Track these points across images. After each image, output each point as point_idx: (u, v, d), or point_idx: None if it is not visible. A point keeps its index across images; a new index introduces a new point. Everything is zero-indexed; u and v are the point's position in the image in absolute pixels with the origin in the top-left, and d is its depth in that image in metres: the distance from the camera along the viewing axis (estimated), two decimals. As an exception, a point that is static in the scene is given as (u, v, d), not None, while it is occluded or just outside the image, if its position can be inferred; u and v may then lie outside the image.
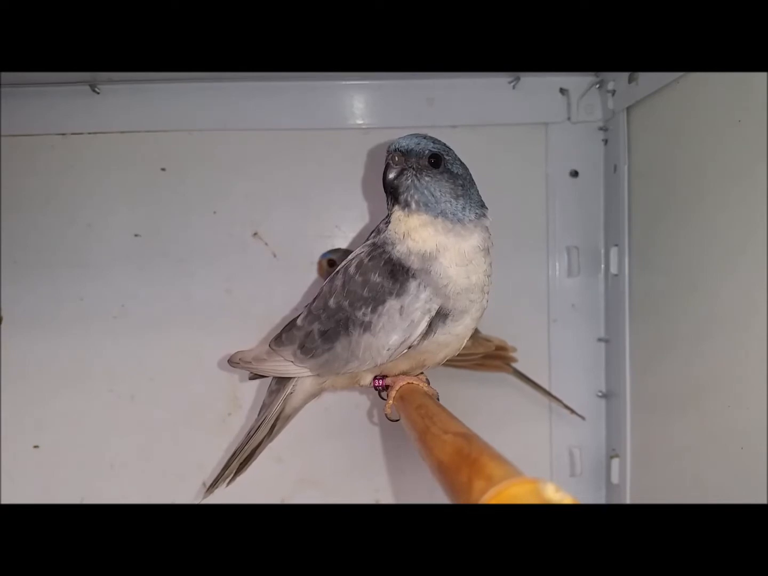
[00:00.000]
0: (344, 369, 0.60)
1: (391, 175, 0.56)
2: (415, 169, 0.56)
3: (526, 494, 0.30)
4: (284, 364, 0.64)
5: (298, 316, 0.65)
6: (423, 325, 0.56)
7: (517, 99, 0.89)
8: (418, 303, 0.55)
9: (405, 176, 0.56)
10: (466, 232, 0.57)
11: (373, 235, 0.62)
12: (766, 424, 0.56)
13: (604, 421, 0.91)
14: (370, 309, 0.57)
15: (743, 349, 0.61)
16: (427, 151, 0.56)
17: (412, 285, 0.56)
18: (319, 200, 0.90)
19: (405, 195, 0.56)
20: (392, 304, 0.56)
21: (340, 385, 0.66)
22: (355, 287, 0.58)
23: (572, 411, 0.87)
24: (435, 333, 0.57)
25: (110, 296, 0.88)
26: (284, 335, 0.65)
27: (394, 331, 0.57)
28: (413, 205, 0.56)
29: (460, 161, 0.59)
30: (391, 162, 0.56)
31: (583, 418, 0.88)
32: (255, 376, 0.71)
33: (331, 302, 0.60)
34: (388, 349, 0.57)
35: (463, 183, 0.58)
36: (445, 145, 0.58)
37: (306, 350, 0.62)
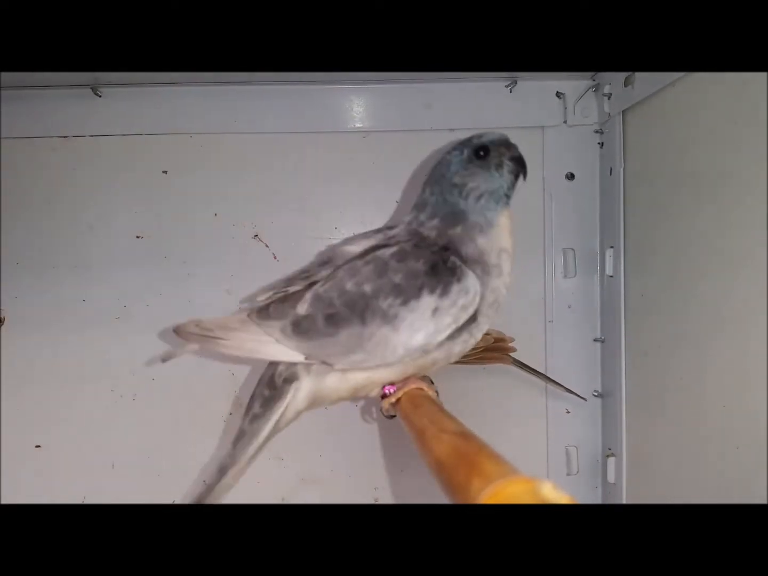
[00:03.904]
0: (343, 359, 0.55)
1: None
2: None
3: (524, 493, 0.31)
4: (260, 340, 0.57)
5: (294, 291, 0.58)
6: (448, 332, 0.54)
7: (513, 102, 0.89)
8: (454, 309, 0.53)
9: None
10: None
11: (408, 227, 0.60)
12: (766, 423, 0.57)
13: (600, 420, 0.92)
14: (399, 301, 0.52)
15: (740, 348, 0.62)
16: None
17: (455, 288, 0.53)
18: (319, 202, 0.90)
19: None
20: (427, 301, 0.52)
21: (342, 392, 0.59)
22: (389, 274, 0.54)
23: (573, 393, 0.87)
24: (455, 341, 0.55)
25: (112, 297, 0.89)
26: (273, 308, 0.57)
27: (420, 330, 0.53)
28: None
29: None
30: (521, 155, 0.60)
31: (584, 399, 0.89)
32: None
33: (350, 285, 0.54)
34: (406, 348, 0.53)
35: None
36: None
37: (301, 329, 0.55)
